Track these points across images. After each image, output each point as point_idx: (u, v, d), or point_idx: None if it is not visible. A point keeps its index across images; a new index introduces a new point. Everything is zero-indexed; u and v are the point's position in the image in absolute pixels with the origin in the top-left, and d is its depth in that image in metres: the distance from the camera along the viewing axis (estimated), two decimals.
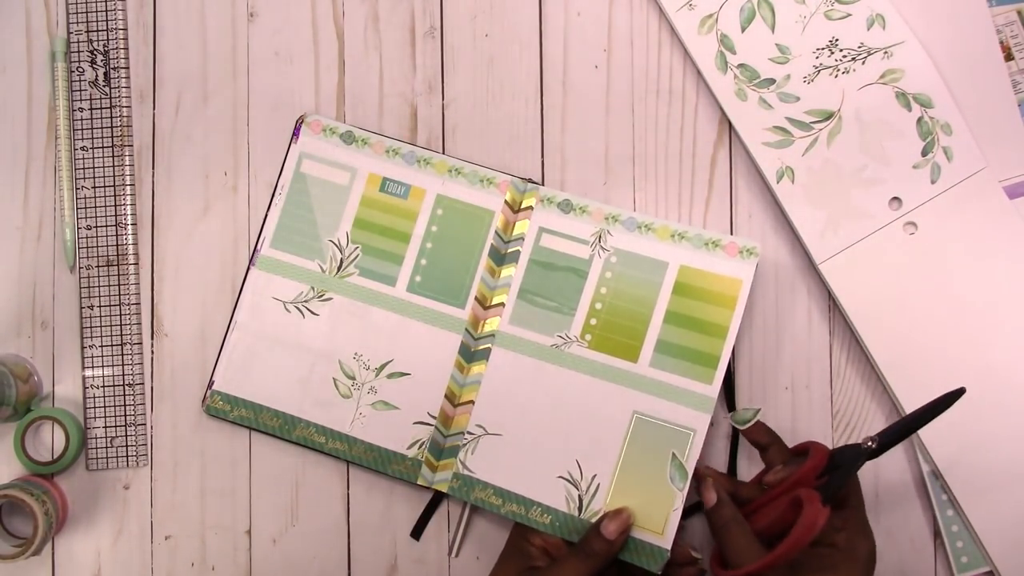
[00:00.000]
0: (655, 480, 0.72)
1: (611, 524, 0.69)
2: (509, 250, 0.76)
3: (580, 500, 0.73)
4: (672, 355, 0.73)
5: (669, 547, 0.71)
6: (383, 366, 0.75)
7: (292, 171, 0.77)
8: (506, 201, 0.76)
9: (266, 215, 0.77)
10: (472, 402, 0.75)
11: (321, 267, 0.76)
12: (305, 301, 0.76)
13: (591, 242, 0.75)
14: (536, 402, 0.74)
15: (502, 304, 0.75)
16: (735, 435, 0.75)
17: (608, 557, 0.69)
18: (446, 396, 0.75)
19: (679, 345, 0.73)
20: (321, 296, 0.76)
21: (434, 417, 0.75)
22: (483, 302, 0.76)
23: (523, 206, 0.76)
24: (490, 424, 0.74)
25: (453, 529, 0.76)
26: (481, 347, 0.75)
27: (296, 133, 0.77)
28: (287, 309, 0.76)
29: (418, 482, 0.74)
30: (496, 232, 0.76)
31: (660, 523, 0.71)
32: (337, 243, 0.76)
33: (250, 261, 0.77)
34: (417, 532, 0.76)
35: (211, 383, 0.76)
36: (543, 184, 0.77)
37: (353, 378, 0.75)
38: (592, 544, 0.69)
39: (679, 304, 0.74)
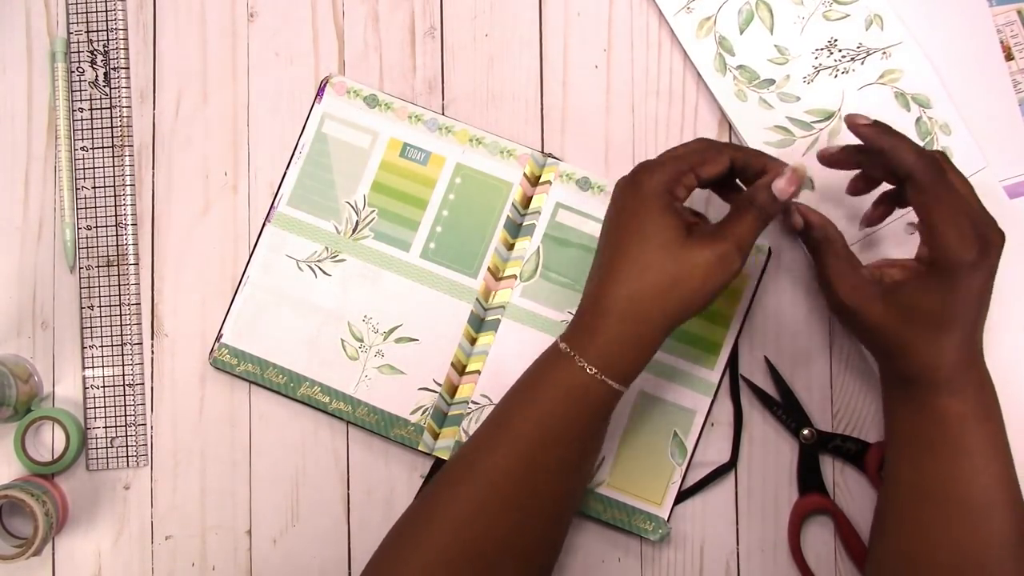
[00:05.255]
0: (656, 454, 0.75)
1: (782, 183, 0.64)
2: (525, 223, 0.76)
3: None
4: (678, 340, 0.75)
5: (667, 516, 0.74)
6: (392, 330, 0.76)
7: (314, 131, 0.77)
8: (525, 174, 0.76)
9: (285, 172, 0.77)
10: (478, 372, 0.75)
11: (336, 228, 0.76)
12: (318, 261, 0.76)
13: None
14: None
15: (515, 277, 0.76)
16: (737, 424, 0.76)
17: (776, 214, 0.66)
18: (452, 365, 0.75)
19: (685, 331, 0.75)
20: (335, 257, 0.76)
21: (439, 384, 0.75)
22: (495, 273, 0.76)
23: (541, 180, 0.76)
24: (495, 395, 0.75)
25: None
26: (491, 318, 0.76)
27: (320, 93, 0.77)
28: (300, 268, 0.76)
29: (419, 448, 0.75)
30: (513, 204, 0.76)
31: (659, 494, 0.75)
32: (354, 205, 0.77)
33: (266, 218, 0.77)
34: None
35: (219, 336, 0.76)
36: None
37: (361, 340, 0.76)
38: (760, 199, 0.65)
39: None
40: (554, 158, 0.76)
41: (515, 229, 0.76)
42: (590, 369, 0.63)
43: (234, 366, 0.76)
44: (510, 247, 0.76)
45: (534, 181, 0.76)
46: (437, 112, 0.77)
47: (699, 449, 0.75)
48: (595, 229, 0.75)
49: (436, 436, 0.75)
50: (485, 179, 0.76)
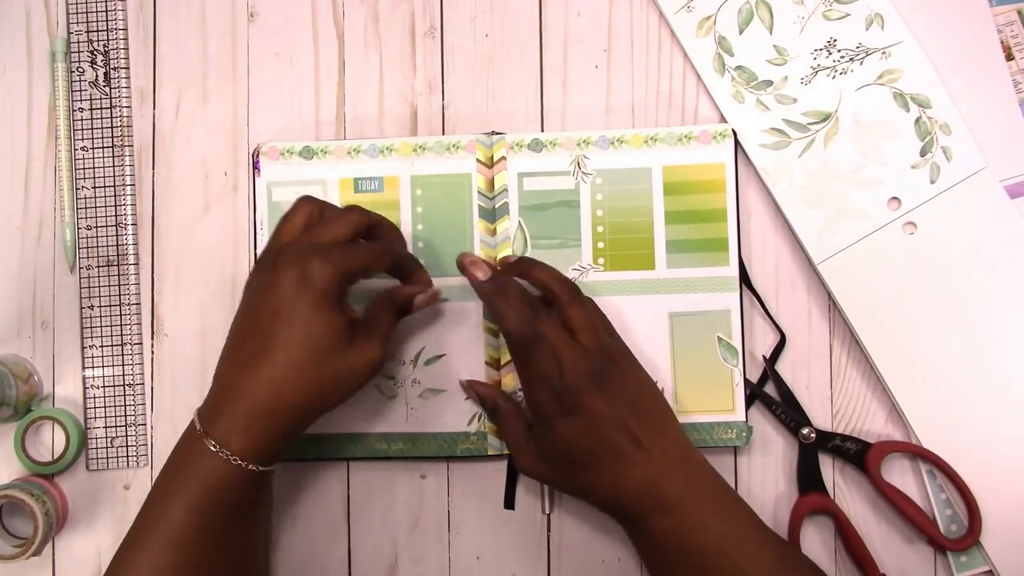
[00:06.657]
0: (711, 365, 0.75)
1: (423, 300, 0.71)
2: (497, 205, 0.76)
3: None
4: (684, 251, 0.75)
5: (744, 419, 0.74)
6: (417, 355, 0.75)
7: (265, 203, 0.76)
8: (478, 159, 0.76)
9: (255, 254, 0.76)
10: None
11: None
12: None
13: (571, 171, 0.76)
14: None
15: (508, 258, 0.75)
16: (762, 304, 0.75)
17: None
18: (487, 363, 0.75)
19: (687, 240, 0.75)
20: None
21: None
22: (490, 263, 0.75)
23: (496, 159, 0.76)
24: None
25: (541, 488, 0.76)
26: None
27: (256, 167, 0.76)
28: None
29: (488, 453, 0.75)
30: (479, 192, 0.76)
31: (729, 402, 0.75)
32: None
33: None
34: (510, 502, 0.76)
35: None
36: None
37: (393, 378, 0.75)
38: (400, 303, 0.71)
39: (674, 202, 0.75)
40: (499, 134, 0.76)
41: (491, 214, 0.76)
42: (235, 460, 0.62)
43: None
44: (493, 232, 0.76)
45: (489, 163, 0.76)
46: (374, 138, 0.76)
47: (745, 343, 0.75)
48: (564, 182, 0.76)
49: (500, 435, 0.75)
50: (443, 180, 0.76)
